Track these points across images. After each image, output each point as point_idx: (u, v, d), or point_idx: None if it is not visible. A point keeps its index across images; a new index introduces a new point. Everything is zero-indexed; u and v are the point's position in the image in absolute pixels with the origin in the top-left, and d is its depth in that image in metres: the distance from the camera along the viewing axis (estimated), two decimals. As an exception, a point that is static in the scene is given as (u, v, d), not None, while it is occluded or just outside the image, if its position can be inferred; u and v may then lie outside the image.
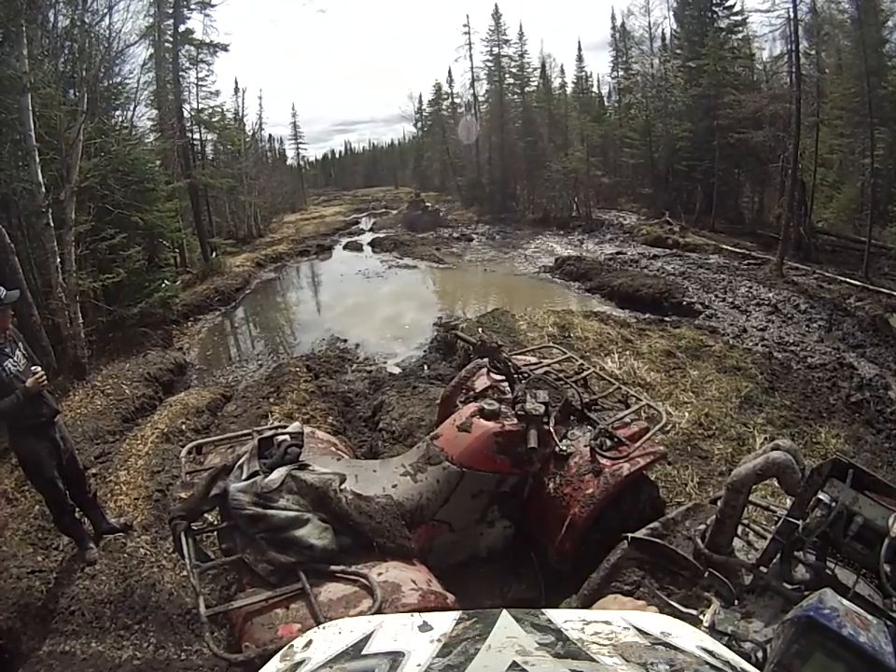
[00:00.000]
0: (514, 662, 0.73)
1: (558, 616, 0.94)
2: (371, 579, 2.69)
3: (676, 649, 0.86)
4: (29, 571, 4.88)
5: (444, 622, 0.95)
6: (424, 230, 28.24)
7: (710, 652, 0.87)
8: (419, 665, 0.78)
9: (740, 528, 3.05)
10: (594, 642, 0.83)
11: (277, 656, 0.96)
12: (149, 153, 15.73)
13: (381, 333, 12.59)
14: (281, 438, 3.28)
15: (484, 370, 4.45)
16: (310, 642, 0.98)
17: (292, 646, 0.98)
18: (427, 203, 32.91)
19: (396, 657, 0.82)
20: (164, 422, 7.48)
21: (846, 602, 1.82)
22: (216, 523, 3.56)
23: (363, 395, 8.51)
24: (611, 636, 0.86)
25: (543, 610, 0.97)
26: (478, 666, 0.74)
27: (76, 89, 11.41)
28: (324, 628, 1.03)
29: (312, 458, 3.36)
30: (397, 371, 9.89)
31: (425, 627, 0.94)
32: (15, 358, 4.44)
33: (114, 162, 12.02)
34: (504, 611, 0.95)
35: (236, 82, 32.60)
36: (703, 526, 3.16)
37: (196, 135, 23.91)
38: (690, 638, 0.93)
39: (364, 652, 0.89)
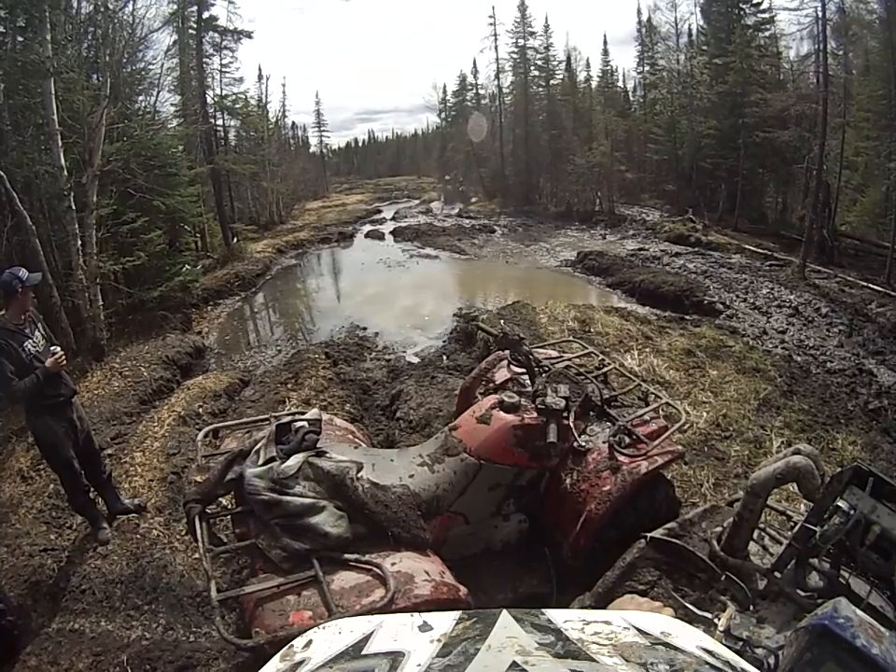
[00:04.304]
0: (514, 662, 0.72)
1: (558, 616, 0.93)
2: (384, 568, 2.68)
3: (676, 649, 0.85)
4: (41, 549, 4.94)
5: (444, 622, 0.94)
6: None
7: (710, 652, 0.86)
8: (419, 665, 0.77)
9: (756, 532, 3.01)
10: (594, 642, 0.82)
11: (277, 656, 0.95)
12: (172, 138, 15.75)
13: (400, 322, 12.60)
14: (299, 424, 3.28)
15: (505, 362, 4.42)
16: (310, 642, 0.97)
17: (292, 646, 0.98)
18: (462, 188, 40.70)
19: (396, 657, 0.82)
20: (181, 405, 7.53)
21: (860, 612, 1.79)
22: (230, 507, 3.56)
23: (381, 383, 8.52)
24: (611, 636, 0.85)
25: (543, 610, 0.96)
26: (478, 666, 0.74)
27: (99, 74, 11.51)
28: (324, 628, 1.02)
29: (329, 445, 3.35)
30: (415, 360, 9.89)
31: (425, 627, 0.93)
32: (34, 339, 4.50)
33: (136, 147, 12.10)
34: (504, 611, 0.93)
35: (260, 69, 32.83)
36: (719, 529, 3.13)
37: (219, 121, 24.10)
38: (690, 638, 0.91)
39: (364, 652, 0.88)
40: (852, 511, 2.52)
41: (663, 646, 0.85)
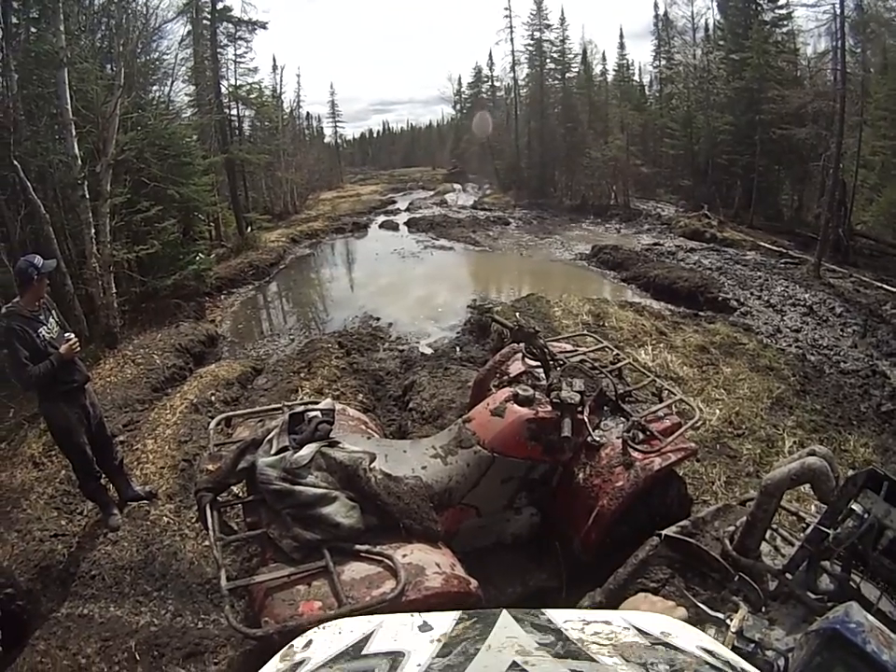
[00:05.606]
0: (514, 662, 0.72)
1: (558, 616, 0.93)
2: (395, 560, 2.67)
3: (676, 649, 0.85)
4: (52, 535, 4.98)
5: (444, 622, 0.95)
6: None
7: (710, 652, 0.86)
8: (419, 665, 0.78)
9: (768, 533, 2.99)
10: (594, 642, 0.82)
11: (277, 656, 0.95)
12: (186, 128, 15.86)
13: (414, 313, 12.55)
14: (312, 414, 3.28)
15: (519, 355, 4.41)
16: (310, 642, 0.98)
17: (292, 646, 0.98)
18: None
19: (396, 657, 0.82)
20: (194, 393, 7.56)
21: (871, 618, 1.77)
22: (241, 496, 3.56)
23: (394, 374, 8.51)
24: (611, 636, 0.85)
25: (543, 610, 0.96)
26: (478, 666, 0.74)
27: (112, 64, 11.55)
28: (324, 628, 1.02)
29: (342, 436, 3.35)
30: (429, 351, 9.85)
31: (425, 627, 0.94)
32: (49, 326, 4.54)
33: (151, 136, 12.17)
34: (504, 611, 0.94)
35: (274, 60, 33.10)
36: (732, 528, 3.11)
37: (233, 111, 24.13)
38: (690, 638, 0.91)
39: (364, 652, 0.88)
40: (866, 515, 2.49)
41: (663, 646, 0.85)
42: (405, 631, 0.93)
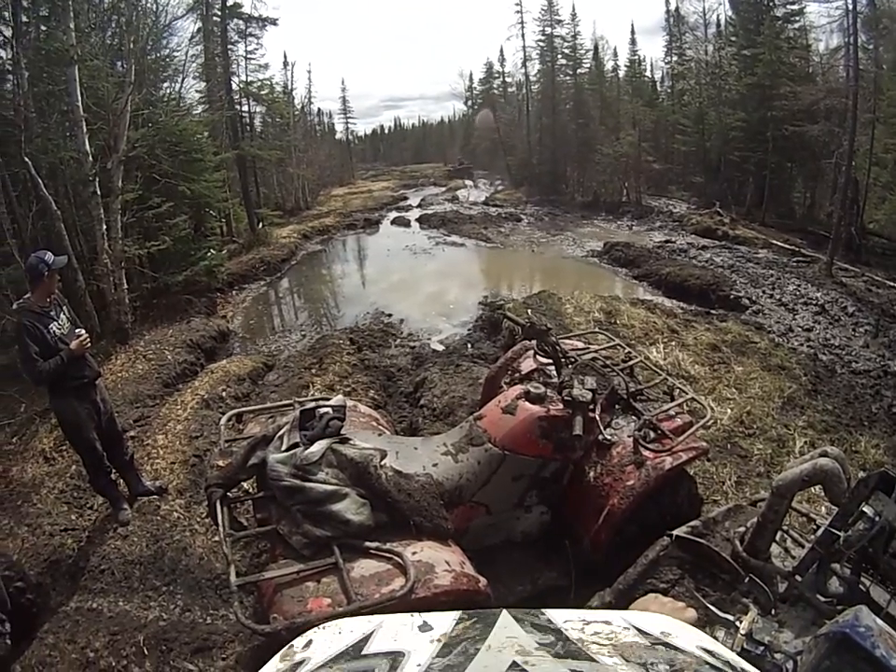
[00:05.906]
0: (514, 662, 0.72)
1: (558, 616, 0.93)
2: (405, 557, 2.68)
3: (676, 649, 0.84)
4: (62, 529, 5.01)
5: (444, 622, 0.94)
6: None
7: (710, 652, 0.85)
8: (419, 665, 0.77)
9: (778, 534, 2.97)
10: (594, 642, 0.81)
11: (277, 656, 0.96)
12: (197, 124, 15.83)
13: (425, 310, 12.53)
14: (323, 410, 3.28)
15: (531, 352, 4.40)
16: (310, 642, 0.97)
17: (292, 646, 0.98)
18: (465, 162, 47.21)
19: (396, 657, 0.82)
20: (205, 388, 7.59)
21: (880, 622, 1.75)
22: (252, 492, 3.57)
23: (405, 370, 8.49)
24: (611, 636, 0.84)
25: (543, 610, 0.96)
26: (478, 666, 0.73)
27: (123, 61, 11.56)
28: (324, 628, 1.02)
29: (353, 432, 3.36)
30: (440, 347, 9.84)
31: (425, 627, 0.93)
32: (60, 322, 4.56)
33: (162, 133, 12.21)
34: (504, 611, 0.94)
35: (285, 56, 33.12)
36: (742, 529, 3.09)
37: (244, 108, 24.09)
38: (690, 638, 0.91)
39: (364, 652, 0.88)
40: (877, 518, 2.46)
41: (663, 646, 0.85)
42: (405, 631, 0.93)
